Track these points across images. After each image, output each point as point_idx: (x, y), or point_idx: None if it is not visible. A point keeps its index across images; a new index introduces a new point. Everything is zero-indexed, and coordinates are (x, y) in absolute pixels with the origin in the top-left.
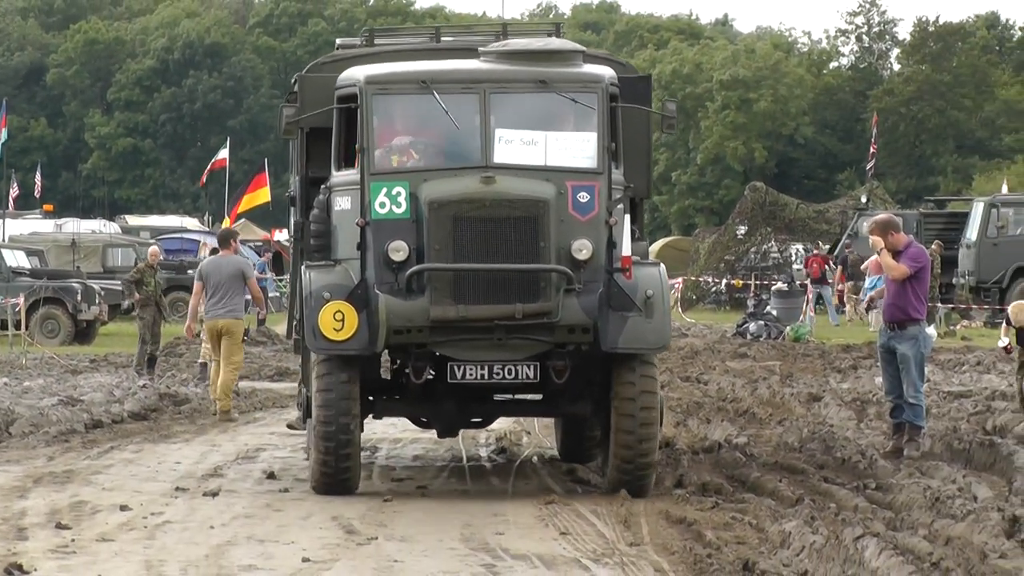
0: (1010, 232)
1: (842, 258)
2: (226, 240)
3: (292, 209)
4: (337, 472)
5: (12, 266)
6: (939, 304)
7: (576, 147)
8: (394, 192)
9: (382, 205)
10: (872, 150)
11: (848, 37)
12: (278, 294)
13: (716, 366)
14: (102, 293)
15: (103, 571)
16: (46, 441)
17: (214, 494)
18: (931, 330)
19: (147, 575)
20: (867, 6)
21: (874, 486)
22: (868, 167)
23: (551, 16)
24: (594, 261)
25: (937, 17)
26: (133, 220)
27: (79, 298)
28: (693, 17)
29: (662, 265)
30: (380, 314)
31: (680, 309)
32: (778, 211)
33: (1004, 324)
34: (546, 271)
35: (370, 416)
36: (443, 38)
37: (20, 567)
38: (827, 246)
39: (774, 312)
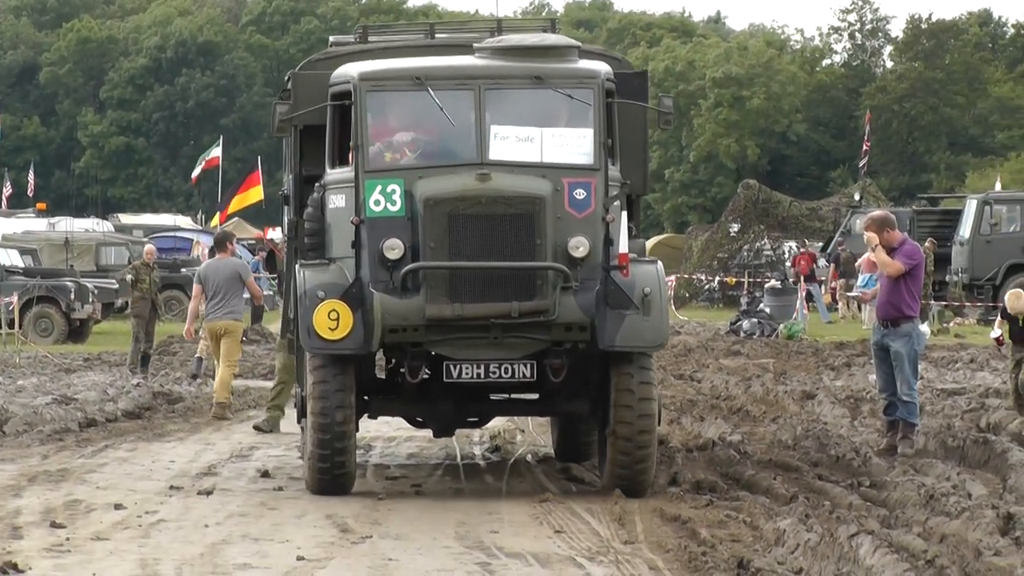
0: (1003, 229)
1: (834, 256)
2: (223, 243)
3: (286, 207)
4: (333, 472)
5: (6, 265)
6: (932, 302)
7: (572, 143)
8: (389, 190)
9: (377, 203)
10: (865, 147)
11: (841, 34)
12: (271, 292)
13: (710, 364)
14: (95, 292)
15: (98, 570)
16: (40, 440)
17: (208, 493)
18: (924, 328)
19: (142, 574)
20: (860, 3)
21: (868, 484)
22: (861, 164)
23: (544, 14)
24: (591, 259)
25: (930, 14)
26: (126, 219)
27: (72, 297)
28: (686, 15)
29: (659, 263)
30: (375, 313)
31: (673, 307)
32: (771, 209)
33: (999, 316)
34: (543, 269)
35: (365, 416)
36: (438, 34)
37: (15, 566)
38: (820, 244)
39: (767, 310)
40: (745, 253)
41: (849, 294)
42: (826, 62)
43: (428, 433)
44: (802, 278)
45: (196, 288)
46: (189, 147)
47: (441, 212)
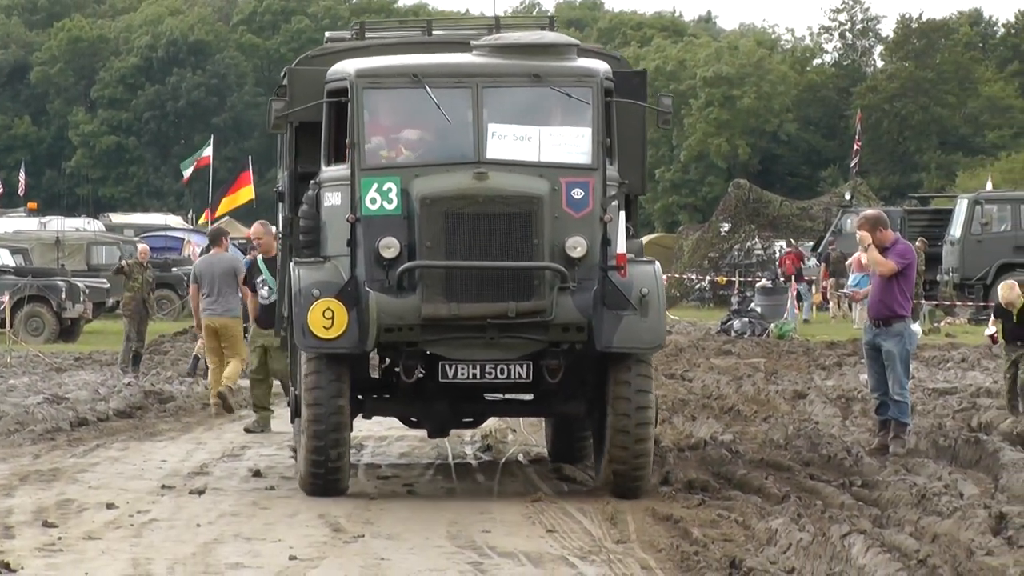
0: (994, 229)
1: (825, 255)
2: (217, 238)
3: (280, 205)
4: (327, 473)
5: None
6: (923, 301)
7: (570, 143)
8: (385, 188)
9: (373, 201)
10: (856, 147)
11: (831, 34)
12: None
13: (701, 363)
14: (86, 291)
15: (90, 569)
16: (32, 439)
17: (200, 492)
18: (916, 327)
19: (134, 573)
20: (850, 3)
21: (860, 483)
22: (852, 164)
23: (534, 13)
24: (588, 259)
25: (920, 14)
26: (117, 218)
27: (64, 296)
28: (676, 14)
29: (657, 263)
30: (370, 312)
31: None
32: (762, 208)
33: (992, 315)
34: (540, 269)
35: (359, 416)
36: (435, 31)
37: (7, 565)
38: (811, 243)
39: (758, 309)
40: (736, 253)
41: (840, 291)
42: (817, 62)
43: (420, 433)
44: (792, 278)
45: (192, 287)
46: (180, 146)
47: (438, 211)
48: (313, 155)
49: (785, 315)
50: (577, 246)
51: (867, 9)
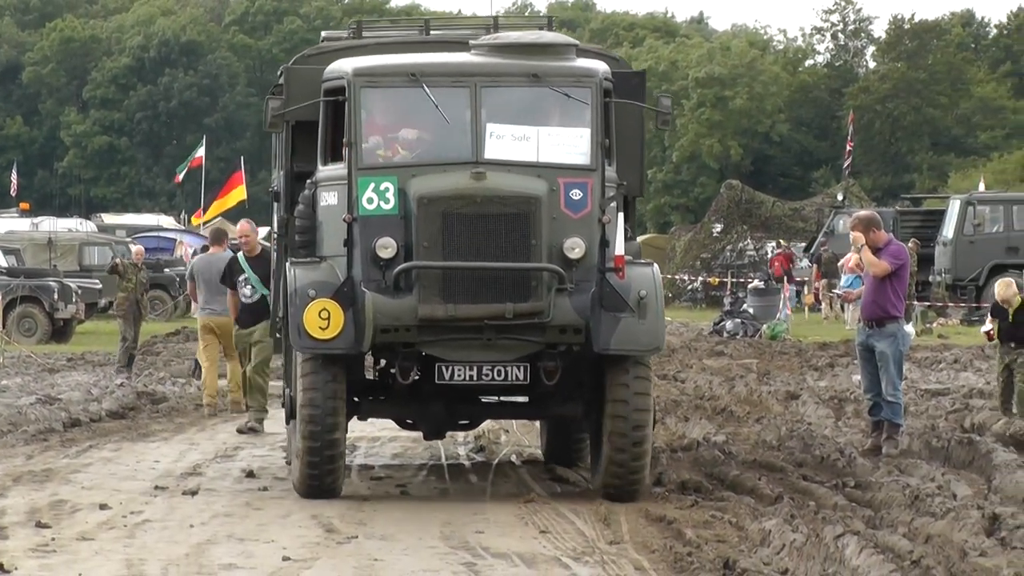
0: (986, 230)
1: (817, 256)
2: (218, 238)
3: (276, 204)
4: (322, 475)
5: None
6: (915, 302)
7: (569, 143)
8: (382, 188)
9: (369, 201)
10: (848, 147)
11: (824, 35)
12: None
13: (693, 364)
14: (79, 292)
15: (84, 570)
16: (24, 440)
17: (193, 493)
18: (909, 328)
19: (128, 574)
20: (843, 4)
21: (853, 484)
22: (844, 165)
23: (527, 14)
24: (586, 260)
25: (912, 15)
26: (109, 218)
27: (56, 297)
28: (668, 15)
29: (655, 265)
30: (367, 312)
31: None
32: (754, 209)
33: (989, 315)
34: (537, 270)
35: (354, 417)
36: (433, 31)
37: (1, 566)
38: (803, 244)
39: (751, 310)
40: (728, 253)
41: (833, 292)
42: (809, 62)
43: (413, 434)
44: (784, 279)
45: (189, 285)
46: (172, 147)
47: (435, 211)
48: (310, 154)
49: (778, 316)
50: (575, 247)
51: (859, 10)
